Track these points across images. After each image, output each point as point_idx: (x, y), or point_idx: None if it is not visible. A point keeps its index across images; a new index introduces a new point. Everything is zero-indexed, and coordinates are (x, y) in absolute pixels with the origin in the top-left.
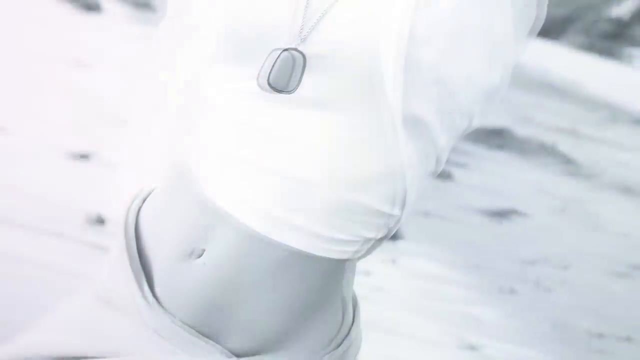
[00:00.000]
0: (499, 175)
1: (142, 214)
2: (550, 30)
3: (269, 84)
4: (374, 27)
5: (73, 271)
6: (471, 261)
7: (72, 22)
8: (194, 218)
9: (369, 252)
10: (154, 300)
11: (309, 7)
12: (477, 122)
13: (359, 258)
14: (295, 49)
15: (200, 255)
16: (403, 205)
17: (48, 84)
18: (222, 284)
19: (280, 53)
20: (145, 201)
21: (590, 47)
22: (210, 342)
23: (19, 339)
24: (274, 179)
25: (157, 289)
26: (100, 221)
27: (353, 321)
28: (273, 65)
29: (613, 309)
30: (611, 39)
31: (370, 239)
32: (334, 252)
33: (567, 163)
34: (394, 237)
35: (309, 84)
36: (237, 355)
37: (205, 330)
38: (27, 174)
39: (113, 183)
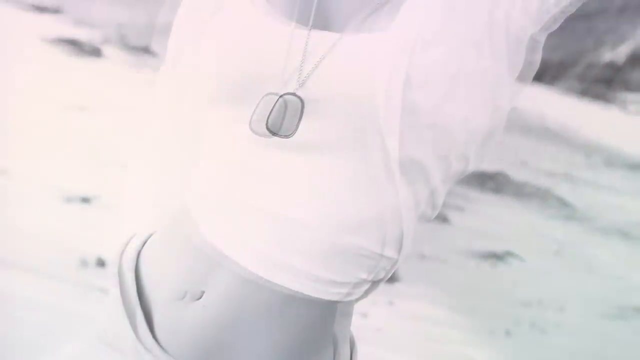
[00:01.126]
0: (495, 218)
1: (142, 257)
2: (545, 74)
3: (267, 127)
4: (370, 72)
5: (73, 312)
6: (467, 303)
7: (73, 67)
8: (192, 260)
9: (366, 294)
10: (154, 341)
11: (307, 53)
12: (473, 166)
13: (357, 300)
14: (294, 94)
15: (199, 297)
16: (399, 248)
17: (49, 127)
18: (221, 326)
19: (279, 97)
20: (145, 244)
21: (584, 92)
22: None
23: None
24: (270, 221)
25: (158, 331)
26: (100, 263)
27: None
28: (271, 110)
29: (608, 351)
30: (606, 84)
31: (366, 281)
32: (330, 293)
33: (562, 206)
34: (391, 279)
35: (306, 128)
36: None
37: None
38: (27, 216)
39: (113, 226)
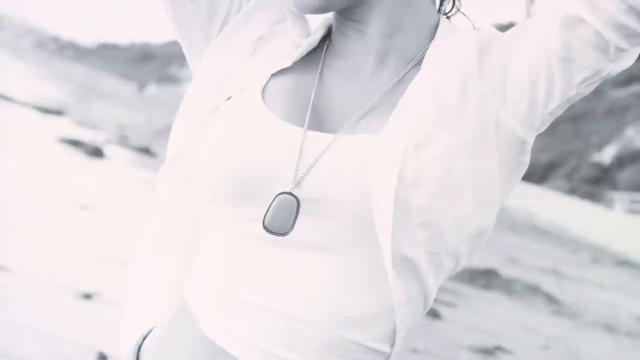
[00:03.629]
0: (485, 314)
1: (142, 351)
2: (534, 174)
3: (264, 226)
4: (364, 172)
5: None
6: None
7: (75, 166)
8: (193, 354)
9: None
10: None
11: (302, 153)
12: (464, 263)
13: None
14: (290, 193)
15: None
16: (392, 343)
17: (51, 224)
18: None
19: (275, 197)
20: (146, 338)
21: (572, 191)
22: None
23: None
24: (268, 317)
25: None
26: (101, 357)
27: None
28: (268, 209)
29: None
30: (593, 183)
31: None
32: None
33: (551, 302)
34: None
35: (302, 226)
36: None
37: None
38: (29, 312)
39: (114, 321)
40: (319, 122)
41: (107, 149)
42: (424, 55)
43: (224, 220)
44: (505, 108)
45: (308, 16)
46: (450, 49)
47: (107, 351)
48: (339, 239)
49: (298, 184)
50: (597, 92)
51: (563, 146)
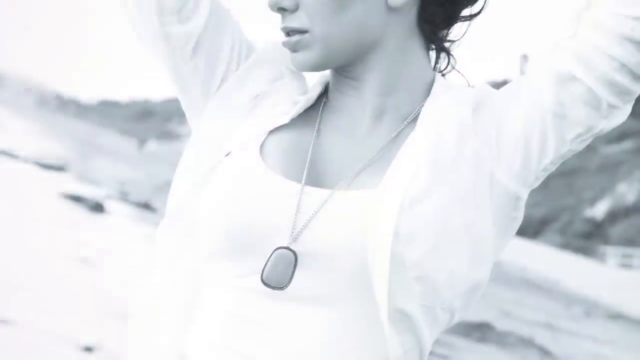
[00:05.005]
0: None
1: None
2: (528, 229)
3: (262, 279)
4: (361, 228)
5: None
6: None
7: (78, 222)
8: None
9: None
10: None
11: (300, 208)
12: (459, 316)
13: None
14: (288, 248)
15: None
16: None
17: (54, 279)
18: None
19: (274, 251)
20: None
21: (566, 246)
22: None
23: None
24: None
25: None
26: None
27: None
28: (266, 263)
29: None
30: (586, 238)
31: None
32: None
33: (545, 355)
34: None
35: (300, 280)
36: None
37: None
38: None
39: None
40: (316, 177)
41: (108, 204)
42: (419, 112)
43: (223, 274)
44: (499, 164)
45: (306, 73)
46: (445, 106)
47: None
48: (336, 292)
49: (296, 238)
50: (590, 149)
51: (556, 201)
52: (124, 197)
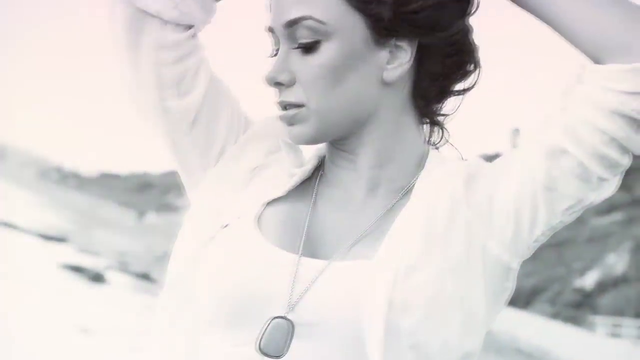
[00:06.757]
0: None
1: None
2: (519, 299)
3: (259, 349)
4: (356, 297)
5: None
6: None
7: (79, 292)
8: None
9: None
10: None
11: (297, 278)
12: None
13: None
14: (284, 317)
15: None
16: None
17: (55, 349)
18: None
19: (270, 320)
20: None
21: (556, 315)
22: None
23: None
24: None
25: None
26: None
27: None
28: (263, 332)
29: None
30: (575, 308)
31: None
32: None
33: None
34: None
35: (296, 349)
36: None
37: None
38: None
39: None
40: (312, 248)
41: (108, 275)
42: (413, 185)
43: (220, 343)
44: (491, 235)
45: (302, 146)
46: (438, 179)
47: None
48: None
49: (292, 308)
50: (580, 220)
51: (547, 272)
52: (123, 267)
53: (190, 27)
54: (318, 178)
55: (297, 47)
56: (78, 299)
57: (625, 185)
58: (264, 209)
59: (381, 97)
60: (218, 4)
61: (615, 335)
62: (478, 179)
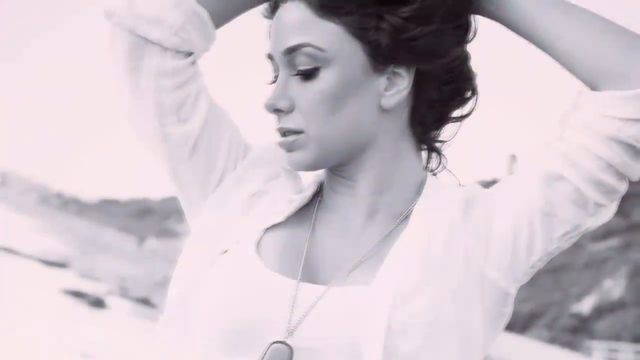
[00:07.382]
0: None
1: None
2: (516, 324)
3: None
4: (355, 322)
5: None
6: None
7: (79, 317)
8: None
9: None
10: None
11: (296, 303)
12: None
13: None
14: (283, 342)
15: None
16: None
17: None
18: None
19: (269, 345)
20: None
21: (553, 340)
22: None
23: None
24: None
25: None
26: None
27: None
28: (263, 357)
29: None
30: (572, 333)
31: None
32: None
33: None
34: None
35: None
36: None
37: None
38: None
39: None
40: (311, 274)
41: (109, 300)
42: (411, 211)
43: None
44: (488, 261)
45: (301, 173)
46: (436, 205)
47: None
48: None
49: (291, 333)
50: (577, 246)
51: (544, 297)
52: (124, 292)
53: (190, 54)
54: (317, 204)
55: (297, 74)
56: (78, 324)
57: (622, 211)
58: (263, 235)
59: (380, 124)
60: (218, 31)
61: None
62: (476, 205)
